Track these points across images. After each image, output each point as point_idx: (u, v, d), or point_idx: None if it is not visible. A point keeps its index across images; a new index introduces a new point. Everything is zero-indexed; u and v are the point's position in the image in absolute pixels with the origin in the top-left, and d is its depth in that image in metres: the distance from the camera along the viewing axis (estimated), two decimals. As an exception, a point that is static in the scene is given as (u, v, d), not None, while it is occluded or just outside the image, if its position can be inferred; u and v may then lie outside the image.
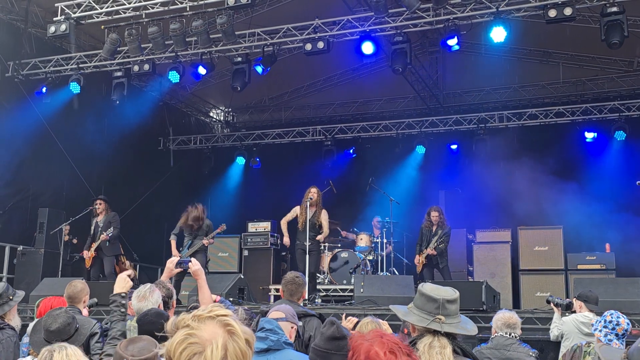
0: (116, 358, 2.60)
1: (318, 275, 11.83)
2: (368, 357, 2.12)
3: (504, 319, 5.50)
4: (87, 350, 4.84)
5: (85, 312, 5.86)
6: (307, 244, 10.49)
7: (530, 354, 5.18)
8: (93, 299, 6.45)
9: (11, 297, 5.29)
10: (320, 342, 3.31)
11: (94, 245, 11.59)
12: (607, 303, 7.26)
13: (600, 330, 5.18)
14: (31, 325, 5.44)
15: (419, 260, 11.68)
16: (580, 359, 5.45)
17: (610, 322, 5.18)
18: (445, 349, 2.73)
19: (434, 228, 11.57)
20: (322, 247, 11.34)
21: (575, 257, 12.45)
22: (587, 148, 15.35)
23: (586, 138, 15.34)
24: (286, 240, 11.23)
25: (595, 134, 15.28)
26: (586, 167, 14.92)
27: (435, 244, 11.43)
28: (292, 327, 4.45)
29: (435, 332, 2.78)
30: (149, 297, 4.70)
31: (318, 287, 11.61)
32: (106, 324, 5.58)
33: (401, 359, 2.11)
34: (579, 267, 12.30)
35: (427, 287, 2.98)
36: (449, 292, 2.96)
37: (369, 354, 2.13)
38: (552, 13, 10.20)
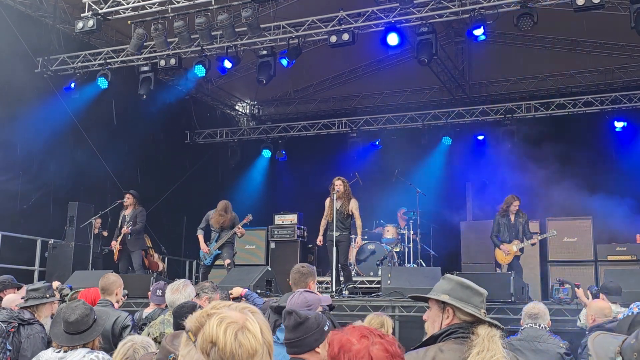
0: (163, 352, 2.63)
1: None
2: (341, 346, 2.17)
3: (527, 309, 5.53)
4: (118, 342, 4.92)
5: (116, 305, 5.93)
6: (335, 234, 10.46)
7: (561, 345, 5.15)
8: (123, 290, 6.54)
9: (47, 296, 5.42)
10: (289, 334, 3.36)
11: (119, 239, 11.74)
12: (638, 295, 7.18)
13: (626, 322, 5.15)
14: None
15: (509, 250, 10.81)
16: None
17: (639, 313, 5.14)
18: (499, 340, 2.79)
19: (512, 217, 10.93)
20: (352, 238, 11.14)
21: (605, 248, 12.30)
22: (617, 137, 15.12)
23: (616, 127, 15.13)
24: (319, 239, 10.84)
25: (625, 123, 15.06)
26: (616, 157, 14.72)
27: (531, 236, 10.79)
28: None
29: (490, 324, 2.81)
30: (182, 290, 4.80)
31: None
32: (143, 324, 5.68)
33: (373, 340, 2.15)
34: (609, 258, 12.15)
35: (467, 280, 2.98)
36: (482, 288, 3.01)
37: (341, 342, 2.17)
38: (580, 1, 10.03)
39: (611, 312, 5.98)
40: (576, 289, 7.87)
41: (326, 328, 3.36)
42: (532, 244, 10.96)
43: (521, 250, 10.83)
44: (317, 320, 3.36)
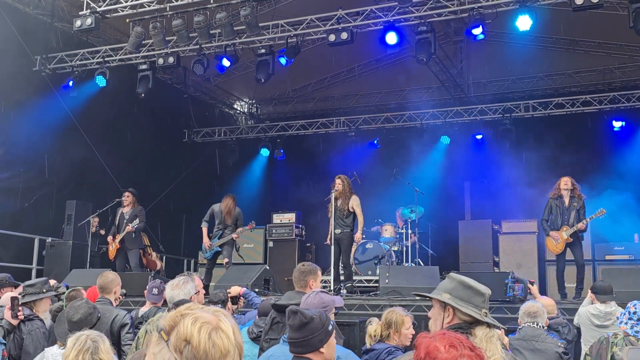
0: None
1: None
2: (428, 352, 2.12)
3: (525, 308, 5.53)
4: (118, 340, 4.92)
5: (114, 303, 5.93)
6: (336, 232, 10.43)
7: (559, 344, 5.14)
8: (121, 290, 6.53)
9: (44, 291, 5.44)
10: (293, 334, 3.33)
11: (119, 237, 11.72)
12: (636, 294, 7.19)
13: (626, 323, 5.09)
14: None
15: (559, 237, 9.96)
16: (608, 350, 5.40)
17: (635, 312, 5.09)
18: (498, 342, 2.81)
19: (567, 200, 9.97)
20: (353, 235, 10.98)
21: (603, 248, 12.31)
22: (615, 137, 15.15)
23: (614, 127, 15.16)
24: (328, 238, 10.72)
25: (623, 123, 15.10)
26: (614, 156, 14.72)
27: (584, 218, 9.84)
28: None
29: (489, 325, 2.80)
30: (182, 287, 4.79)
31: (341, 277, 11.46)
32: (139, 322, 5.68)
33: (462, 352, 2.11)
34: (607, 257, 12.17)
35: (469, 280, 2.97)
36: (485, 286, 2.99)
37: (428, 349, 2.13)
38: (579, 1, 10.04)
39: (554, 309, 6.64)
40: (530, 285, 7.93)
41: (330, 328, 3.35)
42: (581, 229, 9.87)
43: (572, 235, 9.85)
44: (321, 320, 3.34)
